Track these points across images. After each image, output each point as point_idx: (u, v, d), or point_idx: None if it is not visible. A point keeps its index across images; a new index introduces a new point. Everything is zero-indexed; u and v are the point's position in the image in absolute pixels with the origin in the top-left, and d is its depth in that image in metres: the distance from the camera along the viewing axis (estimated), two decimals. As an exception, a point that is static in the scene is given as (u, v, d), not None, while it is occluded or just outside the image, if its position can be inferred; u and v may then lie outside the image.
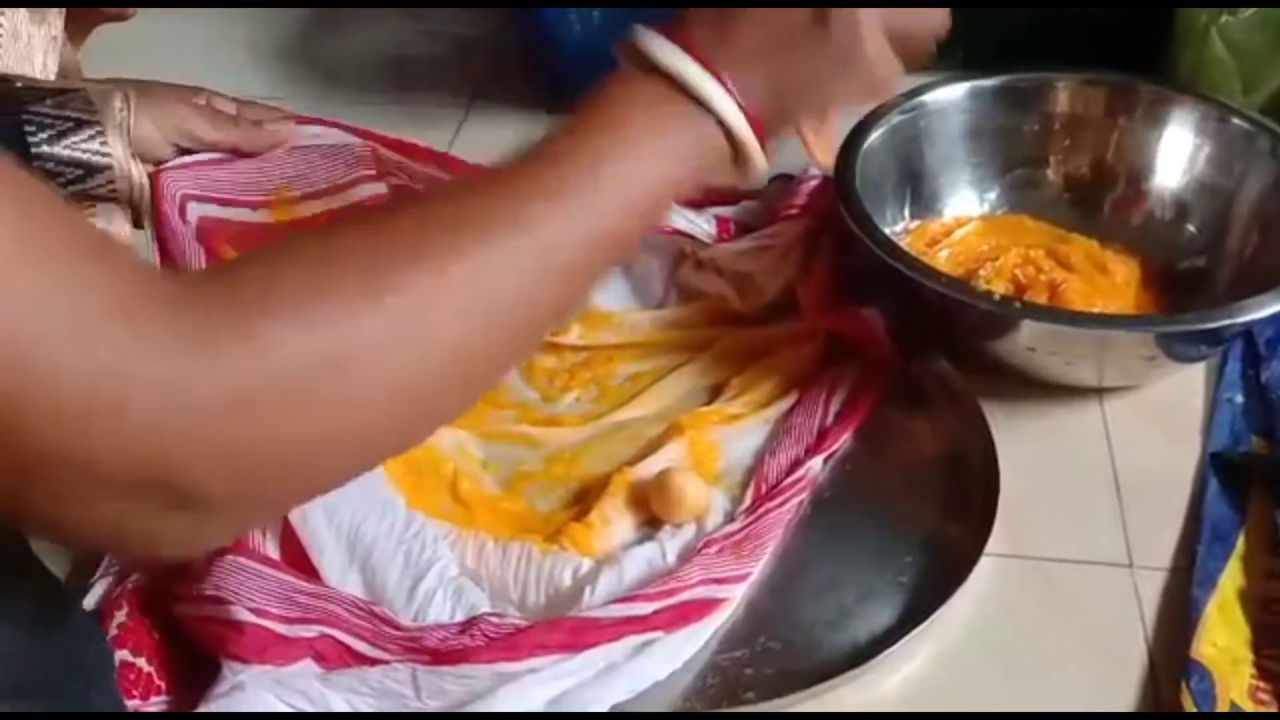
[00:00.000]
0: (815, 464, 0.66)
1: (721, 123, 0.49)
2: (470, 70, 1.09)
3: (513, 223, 0.42)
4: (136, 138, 0.60)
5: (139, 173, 0.59)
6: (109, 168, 0.57)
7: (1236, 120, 0.78)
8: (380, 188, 0.70)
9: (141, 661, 0.57)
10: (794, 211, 0.76)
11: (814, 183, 0.79)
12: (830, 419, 0.69)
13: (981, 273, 0.77)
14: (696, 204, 0.81)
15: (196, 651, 0.57)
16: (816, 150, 0.57)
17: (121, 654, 0.56)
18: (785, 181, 0.82)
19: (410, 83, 1.08)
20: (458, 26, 1.17)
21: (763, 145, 0.51)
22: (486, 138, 1.00)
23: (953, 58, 1.01)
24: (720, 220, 0.77)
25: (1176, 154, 0.80)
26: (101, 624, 0.58)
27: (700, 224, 0.76)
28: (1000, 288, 0.75)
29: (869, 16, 0.52)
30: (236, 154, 0.65)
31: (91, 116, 0.56)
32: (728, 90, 0.49)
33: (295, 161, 0.67)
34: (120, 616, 0.58)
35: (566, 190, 0.44)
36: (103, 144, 0.57)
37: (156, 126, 0.62)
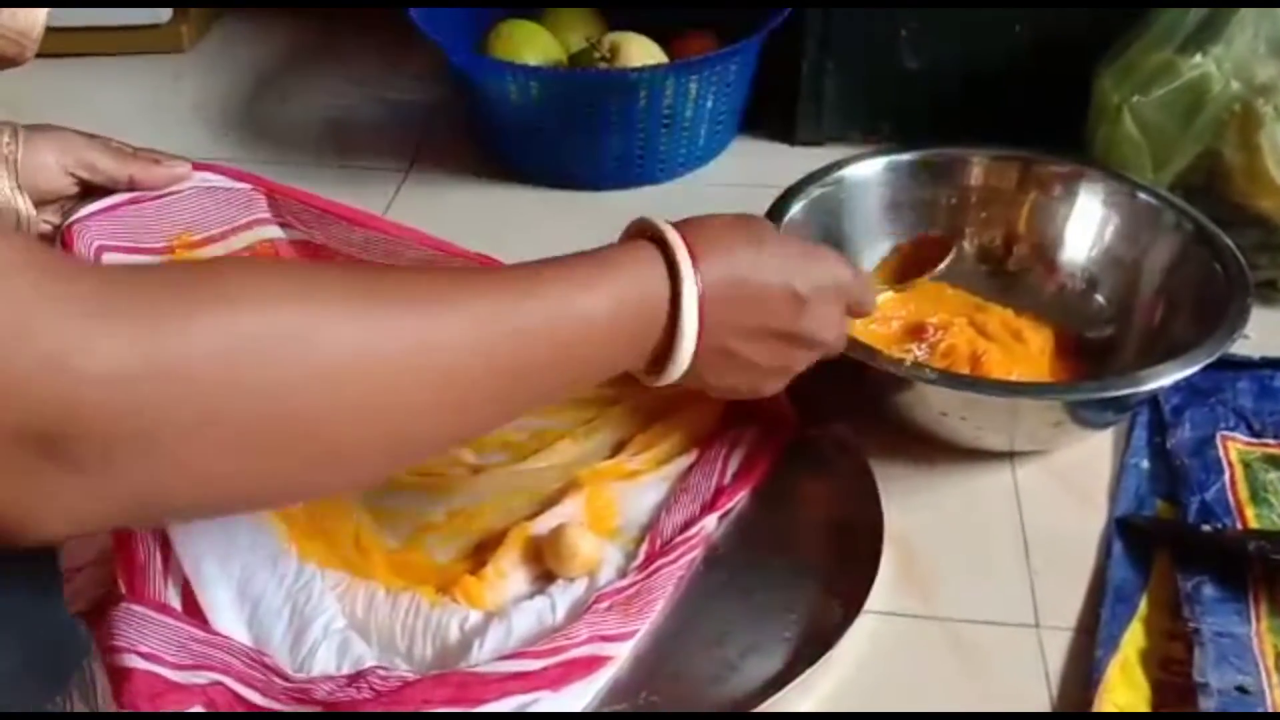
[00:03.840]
0: (710, 521, 0.68)
1: (676, 297, 0.54)
2: (410, 135, 1.12)
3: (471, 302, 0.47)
4: (35, 169, 0.62)
5: (25, 206, 0.61)
6: None
7: (1143, 195, 0.81)
8: (277, 231, 0.71)
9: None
10: None
11: None
12: (728, 478, 0.70)
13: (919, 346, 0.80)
14: None
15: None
16: None
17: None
18: None
19: (351, 145, 1.11)
20: (400, 92, 1.19)
21: (696, 352, 0.56)
22: (423, 201, 1.02)
23: (878, 132, 1.05)
24: None
25: (1085, 227, 0.83)
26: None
27: None
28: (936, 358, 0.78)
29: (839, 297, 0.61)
30: (134, 188, 0.65)
31: None
32: (696, 269, 0.54)
33: (196, 205, 0.67)
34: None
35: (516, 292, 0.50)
36: None
37: (57, 160, 0.63)
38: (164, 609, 0.59)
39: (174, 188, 0.67)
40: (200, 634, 0.59)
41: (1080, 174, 0.84)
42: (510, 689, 0.57)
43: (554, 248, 0.87)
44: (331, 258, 0.73)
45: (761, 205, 0.80)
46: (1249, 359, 0.79)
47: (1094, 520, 0.70)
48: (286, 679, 0.58)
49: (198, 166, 0.68)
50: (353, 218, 0.71)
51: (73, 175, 0.63)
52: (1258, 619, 0.63)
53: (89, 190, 0.65)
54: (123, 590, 0.59)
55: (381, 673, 0.58)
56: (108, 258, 0.64)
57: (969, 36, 1.00)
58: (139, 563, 0.60)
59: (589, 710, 0.59)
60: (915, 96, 1.03)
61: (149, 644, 0.57)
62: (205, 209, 0.68)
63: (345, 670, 0.59)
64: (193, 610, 0.60)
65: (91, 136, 0.65)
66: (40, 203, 0.63)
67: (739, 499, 0.70)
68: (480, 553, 0.68)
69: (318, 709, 0.56)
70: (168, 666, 0.56)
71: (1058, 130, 0.92)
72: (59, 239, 0.62)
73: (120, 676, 0.56)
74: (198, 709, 0.56)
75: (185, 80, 1.24)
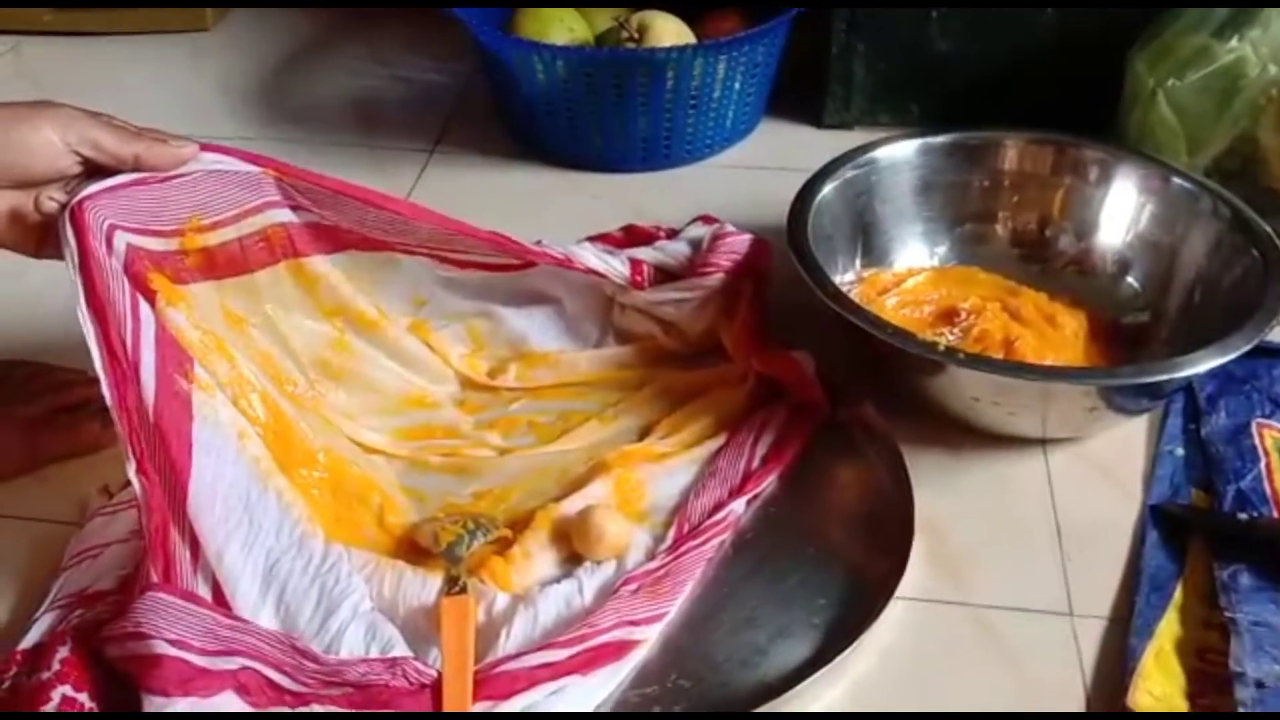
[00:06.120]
0: (738, 505, 0.67)
1: None
2: (436, 115, 1.11)
3: None
4: (38, 146, 0.60)
5: None
6: None
7: (1179, 180, 0.80)
8: (289, 215, 0.69)
9: (83, 697, 0.57)
10: (711, 269, 0.76)
11: (734, 238, 0.78)
12: (756, 462, 0.70)
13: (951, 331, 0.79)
14: (615, 243, 0.82)
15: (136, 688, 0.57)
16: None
17: (63, 689, 0.56)
18: (705, 223, 0.82)
19: (376, 125, 1.10)
20: (426, 73, 1.19)
21: None
22: (448, 181, 1.02)
23: (907, 115, 1.04)
24: (634, 263, 0.76)
25: (1120, 212, 0.82)
26: (43, 660, 0.58)
27: (615, 265, 0.76)
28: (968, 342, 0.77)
29: None
30: (140, 168, 0.63)
31: None
32: None
33: (206, 187, 0.65)
34: (63, 652, 0.58)
35: None
36: None
37: (59, 137, 0.61)
38: (191, 597, 0.59)
39: (182, 170, 0.65)
40: (227, 620, 0.59)
41: (1115, 158, 0.83)
42: (539, 678, 0.57)
43: (580, 229, 0.87)
44: (345, 238, 0.72)
45: (788, 187, 0.79)
46: (1286, 346, 0.78)
47: (1128, 508, 0.69)
48: (318, 661, 0.58)
49: (205, 147, 0.66)
50: (366, 198, 0.69)
51: (76, 153, 0.62)
52: (1294, 608, 0.62)
53: (93, 169, 0.63)
54: (155, 578, 0.59)
55: (420, 665, 0.58)
56: (119, 238, 0.63)
57: (1000, 19, 0.98)
58: (171, 552, 0.60)
59: (619, 690, 0.59)
60: (944, 79, 1.02)
61: (176, 631, 0.57)
62: (215, 192, 0.66)
63: (374, 653, 0.59)
64: (222, 600, 0.60)
65: (94, 114, 0.63)
66: (44, 181, 0.62)
67: (768, 483, 0.69)
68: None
69: (350, 690, 0.56)
70: (196, 653, 0.56)
71: (1088, 114, 0.91)
72: (67, 215, 0.60)
73: (149, 663, 0.56)
74: (228, 694, 0.56)
75: (208, 58, 1.23)
